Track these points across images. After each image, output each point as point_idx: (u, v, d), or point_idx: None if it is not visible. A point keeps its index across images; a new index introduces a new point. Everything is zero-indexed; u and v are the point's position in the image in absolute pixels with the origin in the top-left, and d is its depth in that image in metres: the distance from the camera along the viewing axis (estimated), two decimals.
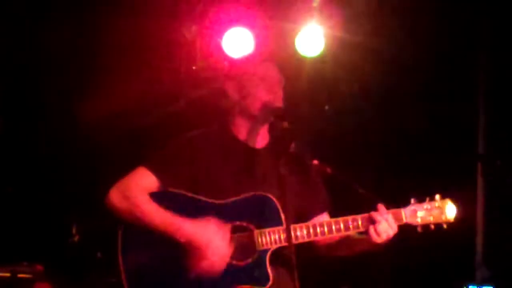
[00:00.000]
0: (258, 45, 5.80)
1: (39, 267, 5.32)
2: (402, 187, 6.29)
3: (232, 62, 3.75)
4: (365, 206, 3.48)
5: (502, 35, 6.30)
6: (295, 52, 6.04)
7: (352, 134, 6.74)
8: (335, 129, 6.68)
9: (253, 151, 3.60)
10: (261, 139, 3.63)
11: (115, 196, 3.45)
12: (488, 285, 6.12)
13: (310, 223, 3.46)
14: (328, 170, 3.50)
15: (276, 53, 5.78)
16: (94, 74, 6.12)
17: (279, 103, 3.54)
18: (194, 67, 6.06)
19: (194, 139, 3.57)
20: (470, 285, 6.14)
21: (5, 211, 6.02)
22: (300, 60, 6.10)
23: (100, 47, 6.05)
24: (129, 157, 3.86)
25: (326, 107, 6.75)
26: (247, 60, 3.71)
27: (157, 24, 5.90)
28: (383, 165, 6.77)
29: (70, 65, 6.14)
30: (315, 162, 3.51)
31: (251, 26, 5.83)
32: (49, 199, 6.28)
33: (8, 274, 5.15)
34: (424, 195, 3.54)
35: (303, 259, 3.36)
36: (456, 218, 3.52)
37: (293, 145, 3.42)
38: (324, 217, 3.61)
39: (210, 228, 3.34)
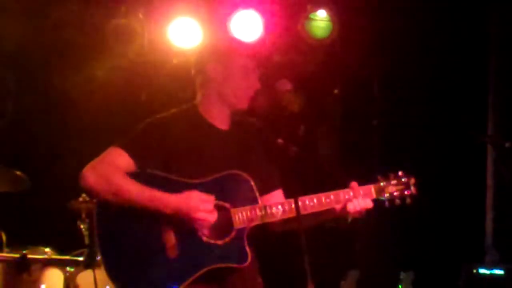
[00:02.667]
0: (266, 27, 5.79)
1: (49, 252, 5.34)
2: (410, 169, 6.29)
3: (227, 46, 3.71)
4: (331, 184, 3.52)
5: None
6: (304, 35, 6.02)
7: (360, 116, 6.72)
8: (343, 111, 6.67)
9: (221, 132, 3.61)
10: (226, 122, 3.64)
11: (91, 176, 3.38)
12: (498, 268, 6.10)
13: (285, 201, 3.48)
14: (293, 149, 3.50)
15: (285, 35, 5.78)
16: (95, 64, 6.14)
17: (246, 103, 3.57)
18: None
19: (165, 119, 3.56)
20: (480, 268, 6.12)
21: (17, 196, 6.04)
22: (309, 43, 6.08)
23: (104, 28, 6.05)
24: None
25: (336, 91, 6.72)
26: (240, 49, 3.67)
27: (163, 5, 5.90)
28: (392, 147, 6.76)
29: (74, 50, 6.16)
30: (280, 141, 3.50)
31: (260, 8, 5.81)
32: (61, 183, 6.29)
33: (18, 258, 5.17)
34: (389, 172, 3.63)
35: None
36: (419, 192, 3.58)
37: (302, 127, 3.41)
38: (279, 194, 3.63)
39: (194, 195, 3.33)
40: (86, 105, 6.18)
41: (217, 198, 3.39)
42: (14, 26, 5.89)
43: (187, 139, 3.50)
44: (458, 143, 6.51)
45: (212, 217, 3.35)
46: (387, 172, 3.61)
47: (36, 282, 5.21)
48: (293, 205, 3.42)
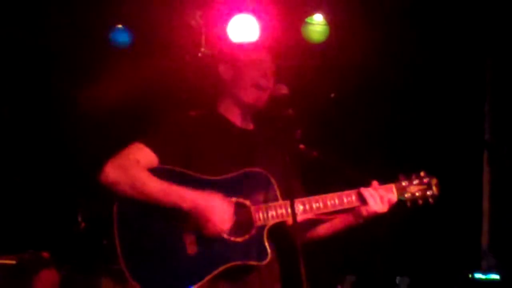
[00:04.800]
0: (263, 31, 5.79)
1: (45, 255, 5.34)
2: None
3: (228, 46, 3.72)
4: (355, 186, 3.49)
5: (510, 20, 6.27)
6: (301, 39, 6.03)
7: (357, 121, 6.72)
8: (340, 116, 6.67)
9: (244, 131, 3.61)
10: (250, 122, 3.65)
11: (112, 171, 3.35)
12: (494, 273, 6.11)
13: (304, 199, 3.44)
14: (315, 153, 3.48)
15: (281, 39, 5.78)
16: (98, 61, 6.13)
17: (270, 87, 3.53)
18: (199, 54, 6.05)
19: (188, 118, 3.56)
20: (476, 273, 6.13)
21: (13, 200, 6.04)
22: (306, 47, 6.09)
23: (104, 34, 6.06)
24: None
25: (332, 95, 6.72)
26: (242, 45, 3.69)
27: (162, 10, 5.90)
28: (388, 153, 6.76)
29: (75, 53, 6.15)
30: (302, 146, 3.49)
31: (256, 12, 5.82)
32: (55, 187, 6.29)
33: (14, 262, 5.17)
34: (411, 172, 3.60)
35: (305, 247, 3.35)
36: (442, 194, 3.55)
37: (298, 132, 3.41)
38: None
39: (215, 196, 3.30)
40: (87, 108, 6.19)
41: (237, 195, 3.37)
42: None
43: (208, 136, 3.50)
44: (455, 148, 6.52)
45: (228, 223, 3.29)
46: (408, 171, 3.57)
47: (33, 285, 5.21)
48: (314, 205, 3.41)
